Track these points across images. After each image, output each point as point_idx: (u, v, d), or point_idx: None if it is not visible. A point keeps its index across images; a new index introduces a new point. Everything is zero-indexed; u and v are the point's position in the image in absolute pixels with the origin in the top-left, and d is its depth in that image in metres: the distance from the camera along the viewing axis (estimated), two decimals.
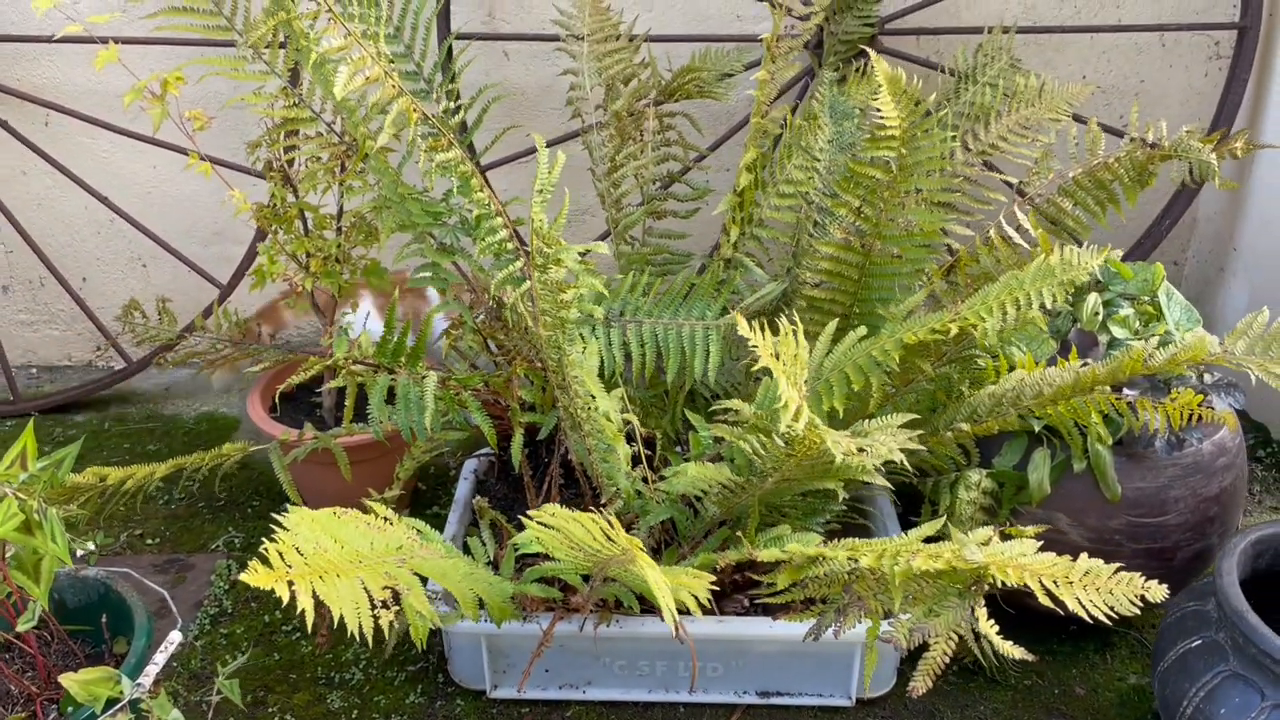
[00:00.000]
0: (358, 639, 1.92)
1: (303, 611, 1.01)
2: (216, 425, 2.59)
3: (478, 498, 1.66)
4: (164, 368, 2.67)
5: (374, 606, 1.10)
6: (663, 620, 1.63)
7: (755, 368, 1.19)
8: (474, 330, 1.91)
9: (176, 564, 2.13)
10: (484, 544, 1.63)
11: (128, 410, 2.64)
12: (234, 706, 1.77)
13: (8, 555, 1.44)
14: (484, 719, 1.80)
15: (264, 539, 2.20)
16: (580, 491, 1.76)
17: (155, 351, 2.56)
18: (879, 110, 1.48)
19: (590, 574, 1.38)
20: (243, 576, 0.97)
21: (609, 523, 1.07)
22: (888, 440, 1.13)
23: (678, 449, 1.70)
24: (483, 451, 2.11)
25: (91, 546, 1.45)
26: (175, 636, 1.49)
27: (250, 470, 2.35)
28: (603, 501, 1.54)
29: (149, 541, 2.21)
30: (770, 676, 1.78)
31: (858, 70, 2.03)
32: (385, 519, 1.28)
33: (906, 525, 1.85)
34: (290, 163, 2.02)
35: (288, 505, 1.93)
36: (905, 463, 1.17)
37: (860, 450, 1.11)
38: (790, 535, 1.37)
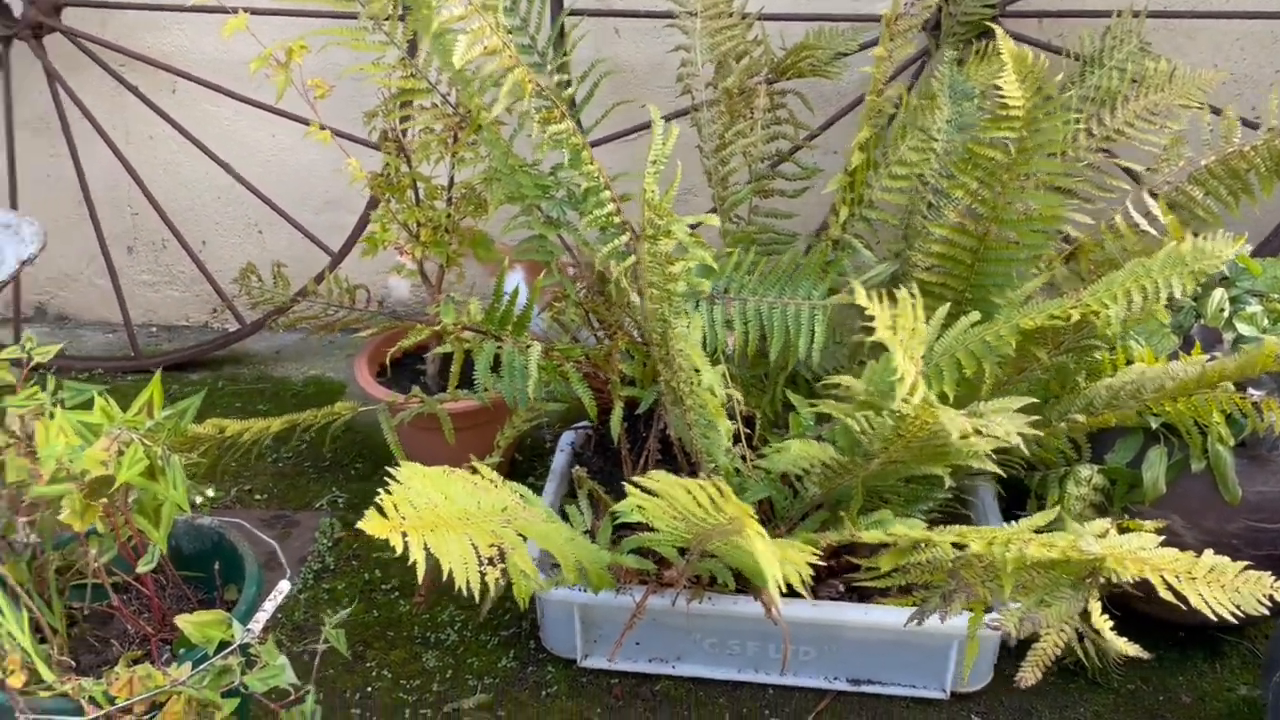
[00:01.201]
0: (455, 601, 1.99)
1: (413, 563, 1.03)
2: (324, 388, 2.67)
3: (576, 468, 1.68)
4: (275, 331, 2.76)
5: (481, 564, 1.12)
6: (757, 599, 1.63)
7: (870, 340, 1.18)
8: (576, 303, 1.92)
9: (283, 520, 2.21)
10: (582, 513, 1.65)
11: (240, 371, 2.74)
12: (338, 657, 1.83)
13: (130, 500, 1.51)
14: (574, 687, 1.82)
15: (369, 498, 2.27)
16: (677, 467, 1.76)
17: (268, 315, 2.64)
18: (1001, 90, 1.44)
19: (688, 547, 1.38)
20: (360, 524, 1.00)
21: (718, 489, 1.06)
22: (1006, 422, 1.11)
23: (776, 429, 1.69)
24: (579, 424, 2.13)
25: (210, 493, 1.51)
26: (284, 586, 1.54)
27: (354, 434, 2.41)
28: (700, 478, 1.54)
29: (257, 497, 2.29)
30: (863, 663, 1.76)
31: (976, 52, 1.98)
32: (491, 481, 1.30)
33: (1010, 520, 1.81)
34: (404, 133, 2.07)
35: (391, 468, 1.98)
36: (1023, 447, 1.14)
37: (977, 432, 1.08)
38: (892, 521, 1.35)
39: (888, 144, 1.79)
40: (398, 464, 2.22)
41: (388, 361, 2.32)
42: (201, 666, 1.40)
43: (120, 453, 1.38)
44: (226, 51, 2.54)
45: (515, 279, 2.40)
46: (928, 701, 1.76)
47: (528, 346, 1.61)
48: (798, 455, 1.32)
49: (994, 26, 1.63)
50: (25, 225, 1.86)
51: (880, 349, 1.64)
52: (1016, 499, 1.85)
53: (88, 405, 1.49)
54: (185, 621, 1.42)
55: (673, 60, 2.03)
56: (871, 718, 1.75)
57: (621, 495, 1.83)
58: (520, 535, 1.22)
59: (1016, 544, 1.07)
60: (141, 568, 1.49)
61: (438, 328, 2.16)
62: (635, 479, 1.20)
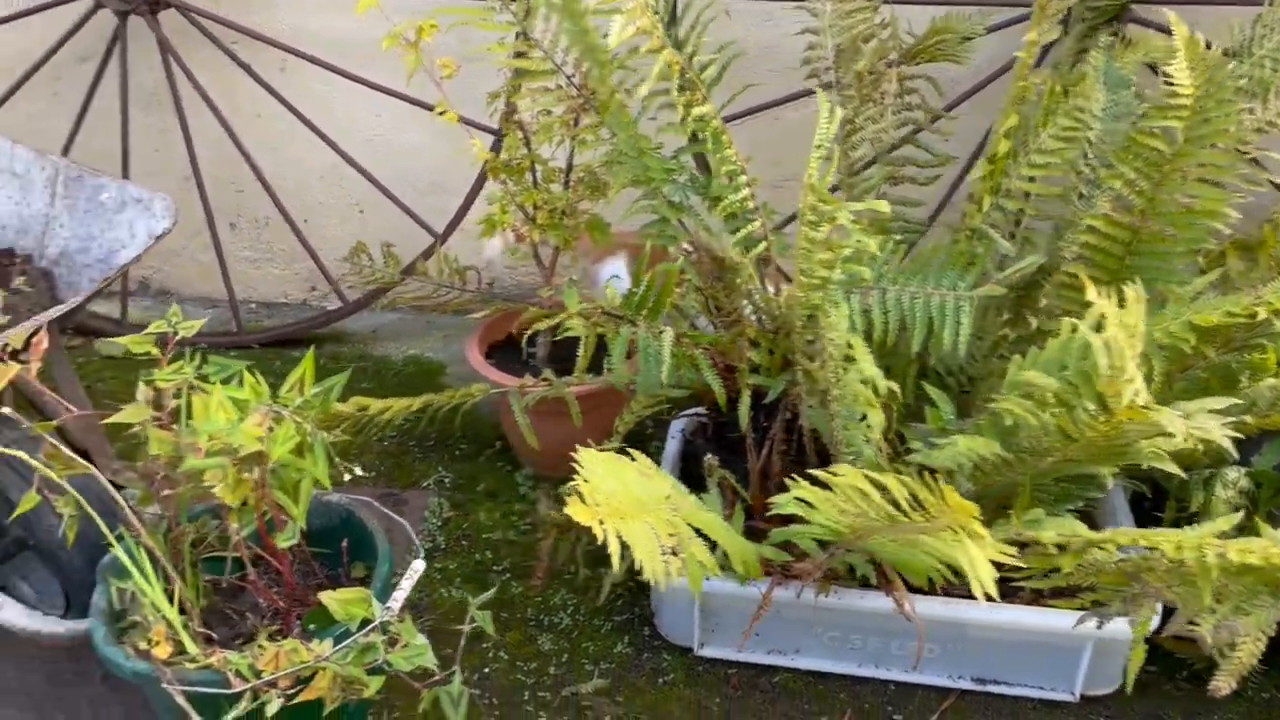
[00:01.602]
0: (566, 585, 1.99)
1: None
2: (424, 368, 2.68)
3: (709, 456, 1.66)
4: (374, 310, 2.78)
5: (664, 553, 1.11)
6: (888, 594, 1.61)
7: (1014, 334, 1.15)
8: (696, 289, 1.90)
9: (392, 498, 2.22)
10: (714, 502, 1.63)
11: (340, 349, 2.76)
12: (453, 637, 1.83)
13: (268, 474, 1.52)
14: (690, 675, 1.81)
15: (475, 478, 2.28)
16: (803, 458, 1.74)
17: (371, 294, 2.66)
18: (1171, 77, 1.39)
19: (833, 541, 1.36)
20: (568, 510, 0.99)
21: (929, 486, 1.04)
22: (1210, 422, 1.07)
23: (910, 423, 1.65)
24: (690, 411, 2.11)
25: (359, 471, 1.51)
26: (419, 566, 1.54)
27: (456, 414, 2.42)
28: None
29: (366, 475, 2.29)
30: (989, 663, 1.73)
31: (1110, 40, 1.92)
32: (648, 469, 1.29)
33: (1145, 523, 1.77)
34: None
35: (492, 449, 1.97)
36: (1224, 443, 1.10)
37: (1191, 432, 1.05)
38: (1045, 520, 1.31)
39: (1027, 132, 1.75)
40: (505, 445, 2.22)
41: (491, 345, 2.32)
42: (345, 643, 1.41)
43: (271, 429, 1.39)
44: (335, 30, 2.55)
45: (614, 264, 2.39)
46: (1055, 704, 1.72)
47: (660, 332, 1.59)
48: (964, 450, 1.29)
49: (1168, 12, 1.57)
50: (157, 201, 1.87)
51: (1023, 343, 1.61)
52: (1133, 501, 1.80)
53: (231, 381, 1.50)
54: (329, 598, 1.42)
55: (785, 45, 2.00)
56: (996, 718, 1.71)
57: (745, 484, 1.83)
58: (689, 525, 1.20)
59: (1212, 549, 1.03)
60: (282, 543, 1.50)
61: (551, 311, 2.16)
62: (814, 472, 1.18)
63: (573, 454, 1.91)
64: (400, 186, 2.64)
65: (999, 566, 1.46)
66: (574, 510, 1.00)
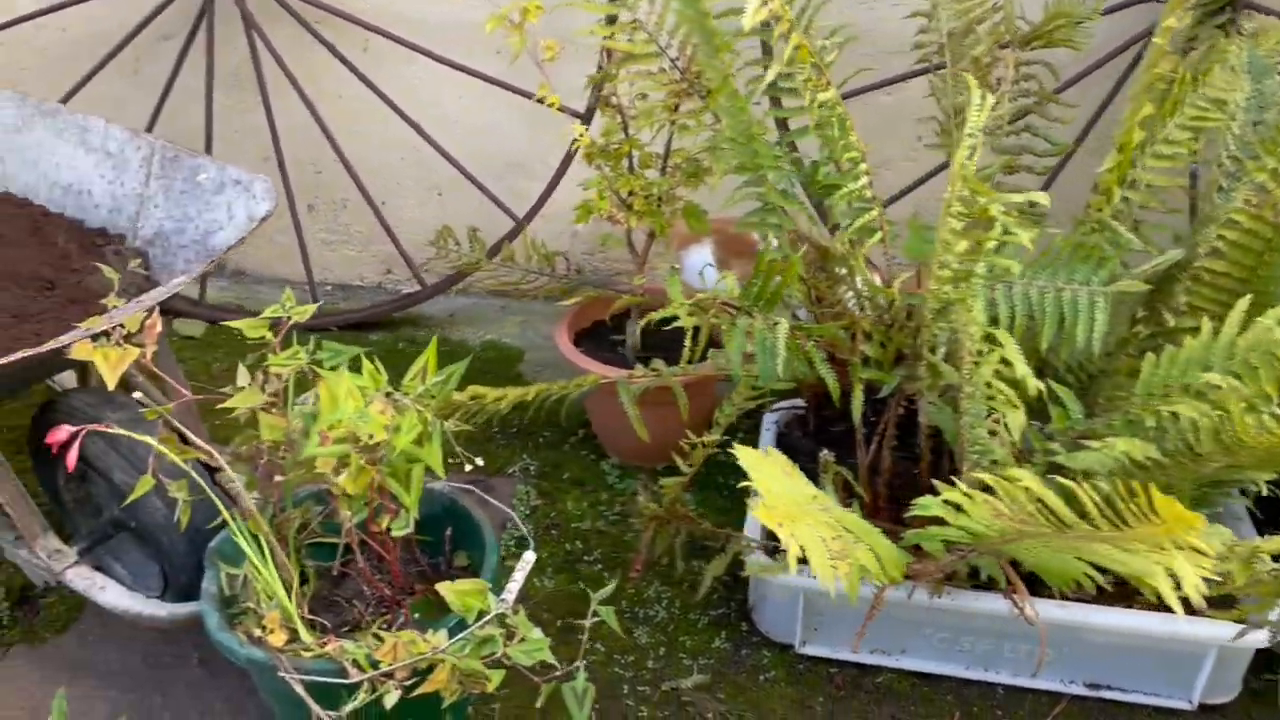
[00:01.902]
0: (660, 577, 1.96)
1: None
2: (502, 354, 2.65)
3: (824, 452, 1.62)
4: (451, 294, 2.76)
5: (831, 556, 1.08)
6: (1002, 596, 1.56)
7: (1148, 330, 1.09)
8: (800, 279, 1.86)
9: (479, 484, 2.19)
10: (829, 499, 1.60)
11: (417, 333, 2.74)
12: (550, 629, 1.81)
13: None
14: (791, 673, 1.78)
15: (560, 466, 2.26)
16: (914, 454, 1.70)
17: (449, 279, 2.63)
18: None
19: (969, 544, 1.32)
20: (756, 514, 0.96)
21: (1135, 491, 0.99)
22: None
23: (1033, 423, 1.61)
24: (784, 404, 2.07)
25: (480, 462, 1.49)
26: (530, 557, 1.52)
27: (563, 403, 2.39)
28: (964, 470, 1.47)
29: (449, 461, 2.27)
30: (1103, 668, 1.68)
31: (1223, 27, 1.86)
32: (788, 467, 1.25)
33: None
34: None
35: (575, 436, 1.94)
36: None
37: None
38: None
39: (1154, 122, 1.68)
40: (589, 433, 2.19)
41: (588, 326, 2.30)
42: (461, 635, 1.39)
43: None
44: (417, 10, 2.52)
45: (702, 252, 2.35)
46: (1172, 712, 1.67)
47: (775, 324, 1.55)
48: (1123, 452, 1.24)
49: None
50: (257, 183, 1.85)
51: (1152, 341, 1.55)
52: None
53: (349, 367, 1.48)
54: (447, 589, 1.40)
55: (879, 28, 1.95)
56: None
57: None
58: (843, 527, 1.17)
59: None
60: (396, 531, 1.48)
61: (643, 298, 2.12)
62: (979, 475, 1.14)
63: (661, 444, 1.88)
64: (478, 169, 2.61)
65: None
66: (762, 514, 0.96)
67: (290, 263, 2.84)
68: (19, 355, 1.53)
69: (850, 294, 1.87)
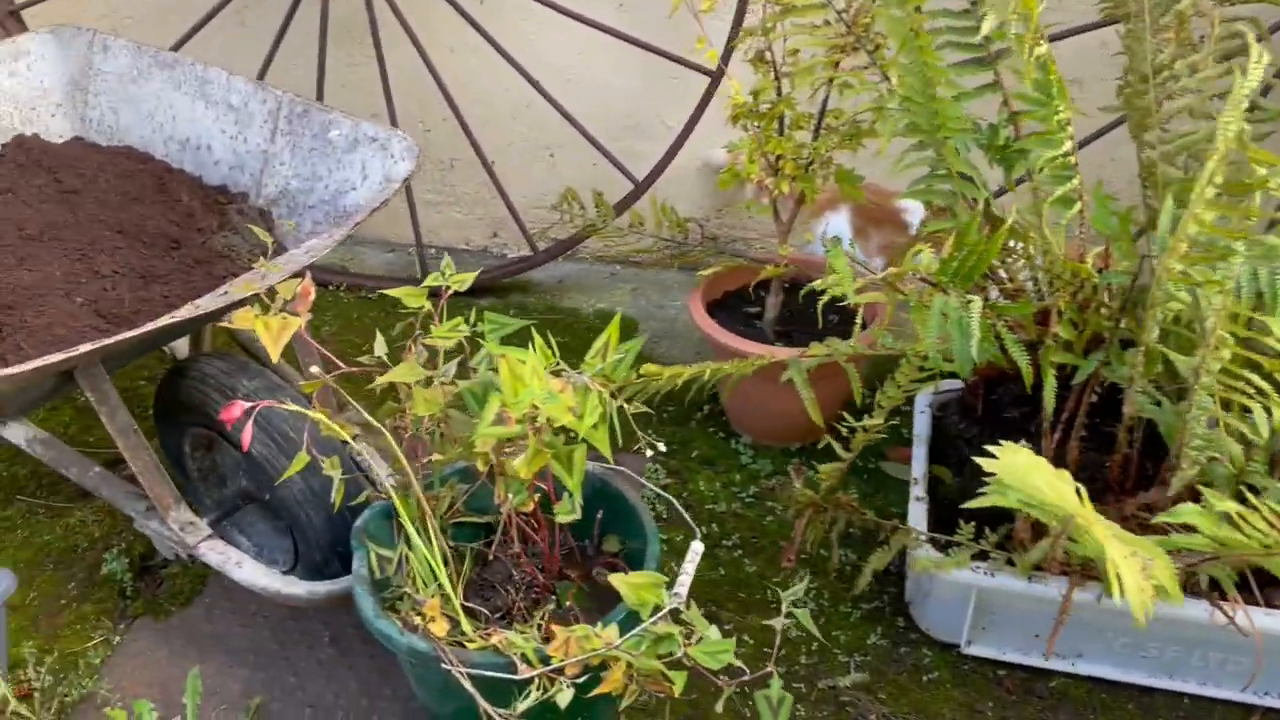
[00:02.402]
0: (807, 565, 1.86)
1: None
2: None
3: (1021, 444, 1.49)
4: (559, 260, 2.65)
5: (1144, 569, 0.96)
6: (1212, 604, 1.43)
7: None
8: (975, 253, 1.73)
9: (603, 462, 2.10)
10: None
11: (527, 299, 2.64)
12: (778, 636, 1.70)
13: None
14: (956, 674, 1.67)
15: (688, 443, 2.15)
16: (1106, 444, 1.58)
17: (565, 243, 2.53)
18: None
19: (1212, 554, 1.20)
20: (1090, 542, 0.84)
21: None
22: None
23: None
24: (943, 388, 1.95)
25: (662, 447, 1.39)
26: (698, 547, 1.42)
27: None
28: (1180, 468, 1.35)
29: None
30: None
31: None
32: (1043, 462, 1.13)
33: None
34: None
35: (701, 412, 1.83)
36: None
37: None
38: None
39: None
40: (716, 409, 2.07)
41: (718, 296, 2.18)
42: (636, 630, 1.29)
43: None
44: None
45: (835, 220, 2.22)
46: None
47: (969, 302, 1.42)
48: None
49: None
50: (395, 140, 1.75)
51: None
52: None
53: (516, 340, 1.38)
54: (620, 581, 1.30)
55: None
56: None
57: None
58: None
59: None
60: (562, 517, 1.39)
61: (787, 268, 2.00)
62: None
63: (798, 424, 1.75)
64: (595, 129, 2.49)
65: None
66: (1093, 539, 0.85)
67: (395, 224, 2.75)
68: (172, 317, 1.44)
69: (1025, 270, 1.74)
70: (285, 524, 1.70)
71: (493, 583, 1.55)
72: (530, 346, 1.31)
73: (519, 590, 1.53)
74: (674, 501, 1.50)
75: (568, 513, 1.39)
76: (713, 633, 1.31)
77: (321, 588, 1.61)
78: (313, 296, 1.39)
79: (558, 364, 1.34)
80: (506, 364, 1.20)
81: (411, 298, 1.39)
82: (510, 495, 1.39)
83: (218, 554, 1.65)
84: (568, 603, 1.53)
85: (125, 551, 1.90)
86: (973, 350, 1.43)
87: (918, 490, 1.73)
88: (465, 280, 1.44)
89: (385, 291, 1.41)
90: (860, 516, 1.68)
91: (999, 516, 1.69)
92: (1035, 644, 1.64)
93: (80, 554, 1.92)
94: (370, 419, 1.34)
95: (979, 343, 1.43)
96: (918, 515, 1.68)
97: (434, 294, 1.42)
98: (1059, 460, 1.60)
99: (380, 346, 1.50)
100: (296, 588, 1.62)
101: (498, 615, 1.50)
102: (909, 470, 2.06)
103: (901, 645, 1.72)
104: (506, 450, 1.34)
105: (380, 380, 1.41)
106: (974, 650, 1.67)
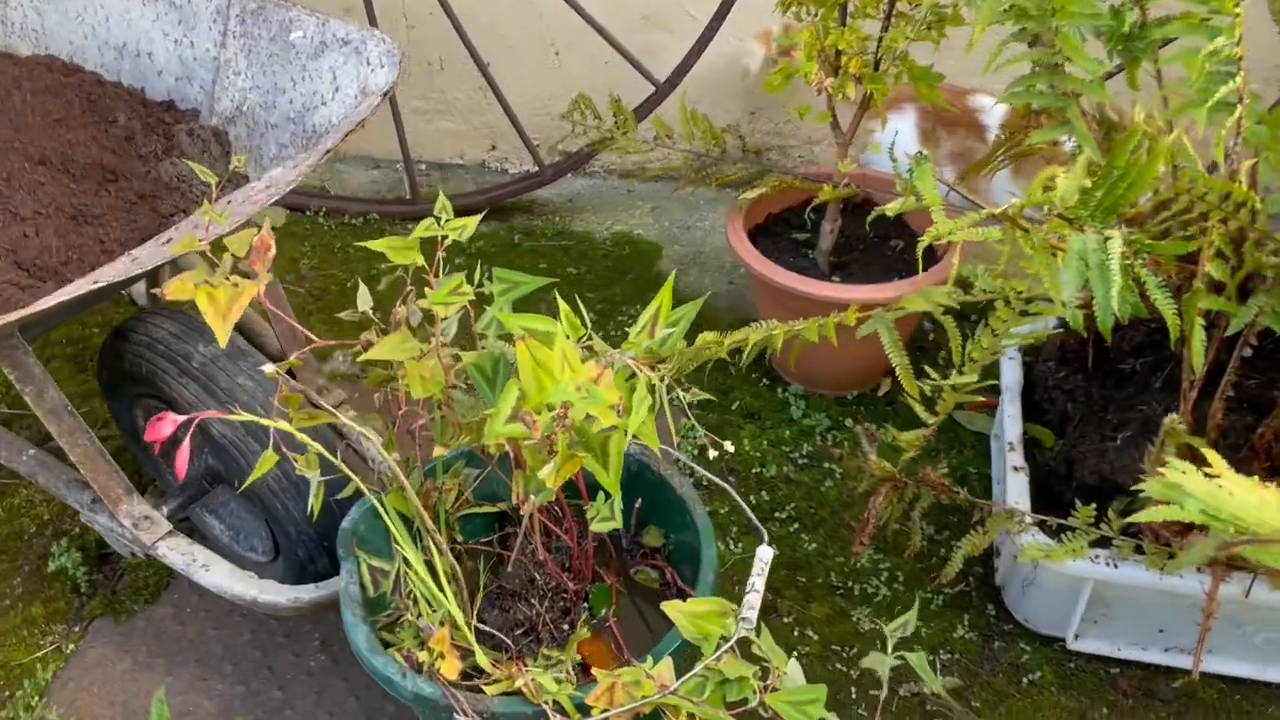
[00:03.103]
0: (876, 544, 1.59)
1: None
2: (637, 249, 2.22)
3: (1171, 416, 1.21)
4: (568, 176, 2.33)
5: None
6: None
7: None
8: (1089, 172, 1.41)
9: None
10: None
11: (533, 223, 2.32)
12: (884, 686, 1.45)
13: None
14: (1061, 674, 1.41)
15: (726, 405, 1.86)
16: (1254, 406, 1.29)
17: (576, 157, 2.20)
18: None
19: None
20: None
21: None
22: None
23: None
24: (1043, 328, 1.64)
25: (729, 448, 1.10)
26: (766, 554, 1.14)
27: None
28: None
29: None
30: None
31: None
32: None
33: None
34: None
35: (739, 354, 1.57)
36: None
37: None
38: None
39: None
40: (763, 351, 1.76)
41: (761, 220, 1.87)
42: (697, 669, 1.03)
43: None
44: None
45: (898, 122, 1.89)
46: None
47: (1107, 239, 1.12)
48: None
49: None
50: (372, 42, 1.41)
51: None
52: None
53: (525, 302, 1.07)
54: (677, 611, 1.03)
55: None
56: None
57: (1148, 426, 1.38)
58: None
59: None
60: (599, 526, 1.11)
61: (848, 189, 1.69)
62: None
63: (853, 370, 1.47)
64: (605, 20, 2.12)
65: None
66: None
67: (379, 139, 2.41)
68: (74, 290, 1.14)
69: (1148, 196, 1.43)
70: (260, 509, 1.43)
71: (511, 590, 1.28)
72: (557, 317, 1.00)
73: (543, 599, 1.26)
74: (739, 499, 1.21)
75: (604, 519, 1.11)
76: (794, 670, 1.04)
77: (306, 594, 1.34)
78: (273, 252, 1.07)
79: (588, 337, 1.04)
80: (527, 352, 0.90)
81: (398, 251, 1.08)
82: (532, 495, 1.11)
83: (180, 554, 1.38)
84: (603, 611, 1.26)
85: (78, 538, 1.63)
86: (1113, 300, 1.13)
87: (1014, 458, 1.45)
88: (466, 227, 1.13)
89: (368, 244, 1.10)
90: (952, 495, 1.40)
91: (1101, 489, 1.42)
92: (1157, 638, 1.39)
93: (27, 541, 1.65)
94: (321, 406, 1.05)
95: (1121, 290, 1.13)
96: (1017, 489, 1.41)
97: (410, 216, 1.11)
98: (1198, 426, 1.32)
99: (364, 299, 1.20)
100: (277, 595, 1.35)
101: (519, 631, 1.24)
102: (985, 422, 1.79)
103: (995, 639, 1.46)
104: (527, 440, 1.06)
105: (365, 356, 1.11)
106: (1081, 646, 1.42)
